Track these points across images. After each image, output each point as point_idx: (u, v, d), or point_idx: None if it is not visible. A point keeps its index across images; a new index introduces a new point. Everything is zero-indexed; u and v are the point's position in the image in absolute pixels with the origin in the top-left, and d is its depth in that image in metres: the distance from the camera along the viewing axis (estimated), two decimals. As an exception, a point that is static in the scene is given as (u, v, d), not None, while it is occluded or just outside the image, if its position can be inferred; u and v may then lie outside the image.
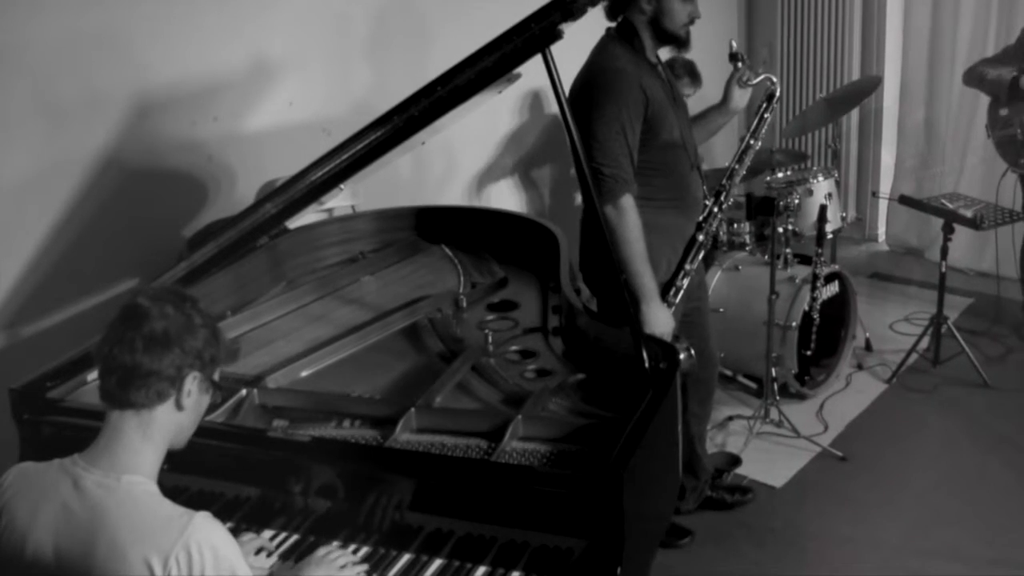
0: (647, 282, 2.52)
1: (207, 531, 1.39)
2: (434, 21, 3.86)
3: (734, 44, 2.70)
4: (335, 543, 1.78)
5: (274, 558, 1.78)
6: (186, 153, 3.16)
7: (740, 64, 2.69)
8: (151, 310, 1.44)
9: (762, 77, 2.73)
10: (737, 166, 2.80)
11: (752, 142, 2.79)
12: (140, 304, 1.45)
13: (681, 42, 2.61)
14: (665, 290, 2.68)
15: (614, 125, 2.47)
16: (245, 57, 3.26)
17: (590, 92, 2.52)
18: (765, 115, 2.79)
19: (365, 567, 1.72)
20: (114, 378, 1.44)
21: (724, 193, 2.78)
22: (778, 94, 2.79)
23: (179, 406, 1.48)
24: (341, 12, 3.57)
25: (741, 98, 2.75)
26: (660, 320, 2.53)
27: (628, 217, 2.49)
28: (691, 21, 2.58)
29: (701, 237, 2.73)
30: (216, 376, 1.55)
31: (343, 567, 1.69)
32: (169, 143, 3.10)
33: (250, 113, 3.33)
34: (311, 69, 3.48)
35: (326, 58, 3.54)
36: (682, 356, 2.41)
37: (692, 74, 4.03)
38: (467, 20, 3.78)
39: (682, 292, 2.71)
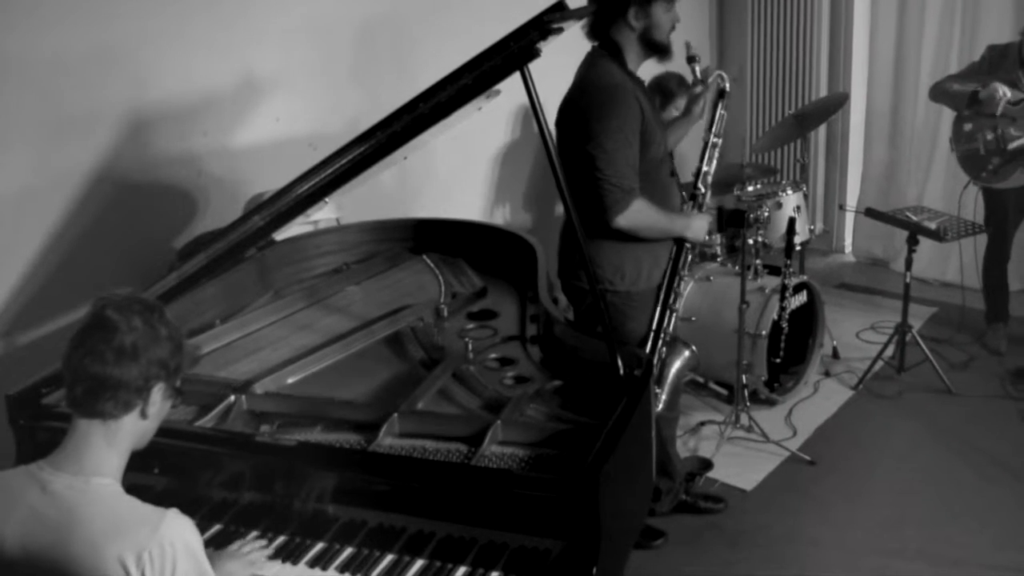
0: (678, 223, 2.68)
1: (179, 527, 1.43)
2: (417, 39, 3.90)
3: (691, 46, 2.76)
4: (254, 536, 1.84)
5: None
6: (177, 167, 3.18)
7: (696, 65, 2.76)
8: (119, 322, 1.45)
9: (715, 75, 2.83)
10: (707, 167, 2.83)
11: (715, 140, 2.85)
12: (108, 316, 1.46)
13: (667, 50, 2.67)
14: (667, 294, 2.74)
15: (618, 137, 2.50)
16: (233, 74, 3.29)
17: (589, 107, 2.53)
18: (721, 111, 2.86)
19: (267, 553, 1.77)
20: (82, 388, 1.45)
21: (702, 196, 2.82)
22: (728, 88, 2.88)
23: (144, 415, 1.51)
24: (327, 31, 3.60)
25: (701, 106, 2.86)
26: (699, 225, 2.73)
27: (642, 215, 2.57)
28: (672, 27, 2.65)
29: (688, 244, 2.78)
30: (178, 383, 1.57)
31: (253, 562, 1.74)
32: (160, 157, 3.13)
33: (238, 129, 3.36)
34: (297, 86, 3.51)
35: (312, 75, 3.57)
36: (687, 354, 2.50)
37: (687, 86, 3.96)
38: (450, 37, 3.83)
39: (682, 298, 2.77)
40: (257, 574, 1.74)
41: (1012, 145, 3.90)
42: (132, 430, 1.51)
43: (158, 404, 1.52)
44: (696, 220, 2.74)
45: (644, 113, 2.57)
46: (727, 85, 2.87)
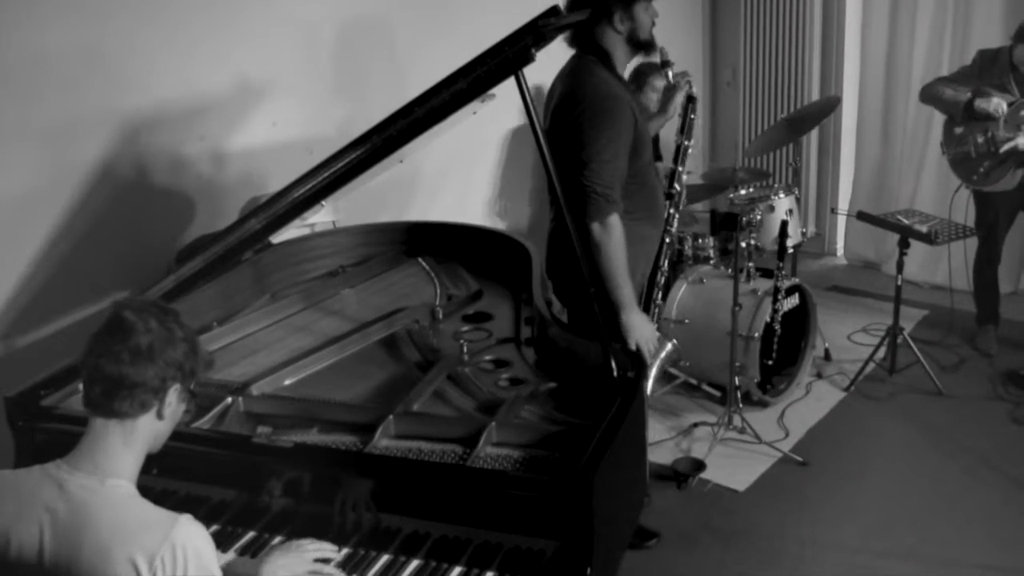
0: (628, 293, 2.60)
1: (191, 533, 1.43)
2: (413, 43, 3.92)
3: (663, 51, 2.85)
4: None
5: (231, 553, 1.83)
6: (175, 171, 3.20)
7: (670, 70, 2.88)
8: (136, 324, 1.47)
9: (685, 80, 2.95)
10: (680, 168, 2.96)
11: (687, 143, 2.98)
12: (125, 317, 1.48)
13: (653, 46, 2.73)
14: (649, 290, 2.79)
15: (610, 149, 2.53)
16: (231, 79, 3.30)
17: (584, 116, 2.55)
18: (691, 116, 3.00)
19: (337, 557, 1.76)
20: (99, 388, 1.47)
21: (677, 196, 2.94)
22: (696, 94, 3.01)
23: (160, 415, 1.52)
24: (323, 35, 3.62)
25: (675, 105, 2.96)
26: (640, 325, 2.61)
27: (614, 234, 2.56)
28: (653, 23, 2.71)
29: (668, 240, 2.88)
30: (193, 386, 1.59)
31: (316, 559, 1.74)
32: (158, 161, 3.14)
33: (235, 133, 3.38)
34: (294, 90, 3.53)
35: (308, 80, 3.59)
36: (669, 348, 2.53)
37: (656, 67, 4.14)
38: (445, 41, 3.84)
39: (660, 290, 2.85)
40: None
41: (1003, 148, 3.93)
42: (148, 431, 1.52)
43: (173, 405, 1.54)
44: (636, 317, 2.63)
45: (637, 123, 2.62)
46: (694, 91, 3.00)
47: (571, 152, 2.55)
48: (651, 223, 2.79)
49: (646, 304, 2.77)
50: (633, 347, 2.57)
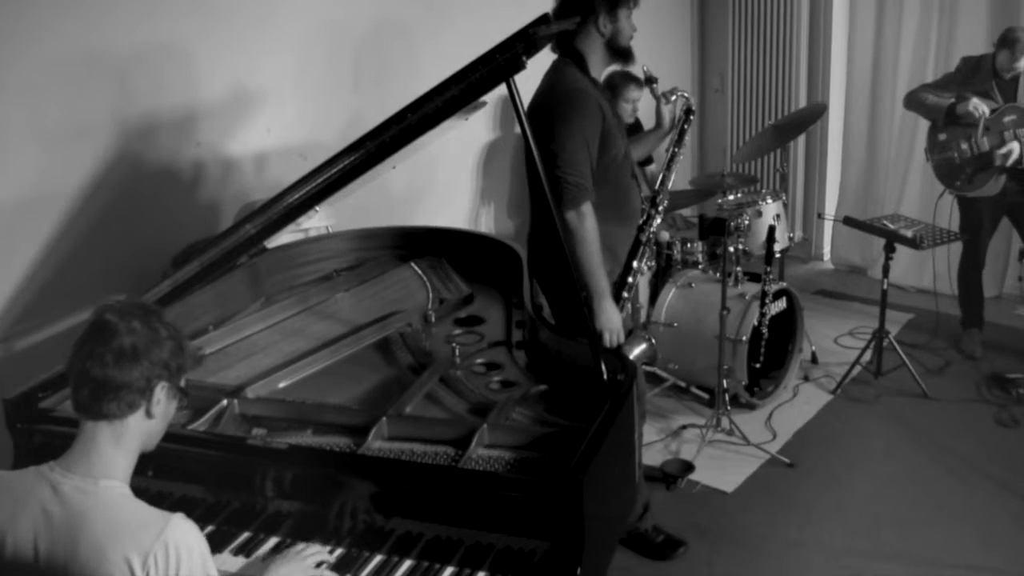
0: (601, 281, 2.65)
1: (183, 532, 1.45)
2: (406, 51, 3.94)
3: (646, 69, 2.91)
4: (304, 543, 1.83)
5: (231, 555, 1.83)
6: (171, 176, 3.22)
7: (656, 86, 2.92)
8: (119, 325, 1.48)
9: (680, 94, 3.00)
10: (667, 173, 3.04)
11: (677, 150, 3.04)
12: (108, 320, 1.49)
13: (630, 54, 2.77)
14: (619, 287, 2.82)
15: (578, 138, 2.59)
16: (226, 86, 3.32)
17: (554, 109, 2.61)
18: (686, 126, 3.07)
19: (330, 559, 1.78)
20: (86, 391, 1.48)
21: (659, 197, 2.99)
22: (693, 107, 3.08)
23: (149, 414, 1.53)
24: (316, 43, 3.64)
25: (670, 118, 3.00)
26: (612, 316, 2.66)
27: (588, 221, 2.62)
28: (631, 36, 2.76)
29: (644, 238, 2.91)
30: (183, 383, 1.59)
31: (317, 565, 1.75)
32: (155, 166, 3.16)
33: (231, 139, 3.39)
34: (288, 98, 3.55)
35: (302, 87, 3.61)
36: (644, 346, 2.55)
37: (633, 80, 4.16)
38: (439, 48, 3.88)
39: (634, 289, 2.87)
40: None
41: (998, 157, 3.96)
42: (138, 430, 1.53)
43: (163, 403, 1.54)
44: (609, 306, 2.67)
45: (605, 117, 2.67)
46: (692, 103, 3.07)
47: (543, 146, 2.59)
48: (619, 222, 2.81)
49: (615, 300, 2.80)
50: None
